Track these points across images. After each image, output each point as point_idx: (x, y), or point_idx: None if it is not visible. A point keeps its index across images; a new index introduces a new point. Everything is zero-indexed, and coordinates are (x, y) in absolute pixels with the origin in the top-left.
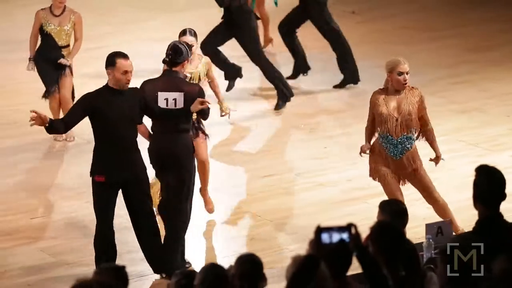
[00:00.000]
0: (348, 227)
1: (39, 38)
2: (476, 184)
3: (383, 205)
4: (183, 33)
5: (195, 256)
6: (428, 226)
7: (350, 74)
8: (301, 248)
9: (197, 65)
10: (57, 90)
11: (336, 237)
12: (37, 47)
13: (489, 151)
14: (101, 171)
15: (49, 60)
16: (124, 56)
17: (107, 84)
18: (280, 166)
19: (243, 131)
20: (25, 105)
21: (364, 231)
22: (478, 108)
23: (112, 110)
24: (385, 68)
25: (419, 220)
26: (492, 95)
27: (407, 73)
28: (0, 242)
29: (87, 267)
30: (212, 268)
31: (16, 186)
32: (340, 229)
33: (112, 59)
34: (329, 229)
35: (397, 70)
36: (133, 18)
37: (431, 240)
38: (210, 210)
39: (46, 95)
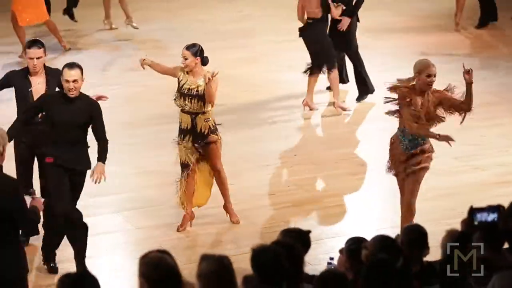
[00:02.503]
0: (497, 208)
1: None
2: None
3: None
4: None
5: (363, 227)
6: None
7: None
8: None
9: (199, 79)
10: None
11: (487, 216)
12: None
13: None
14: (51, 154)
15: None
16: (70, 66)
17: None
18: (439, 149)
19: None
20: (219, 88)
21: None
22: None
23: (60, 115)
24: (414, 68)
25: None
26: None
27: (434, 76)
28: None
29: (270, 230)
30: (383, 239)
31: None
32: (491, 209)
33: (62, 69)
34: (480, 210)
35: (426, 72)
36: None
37: None
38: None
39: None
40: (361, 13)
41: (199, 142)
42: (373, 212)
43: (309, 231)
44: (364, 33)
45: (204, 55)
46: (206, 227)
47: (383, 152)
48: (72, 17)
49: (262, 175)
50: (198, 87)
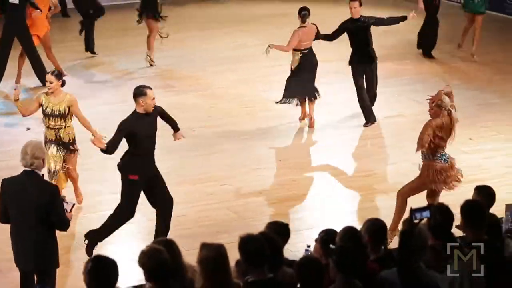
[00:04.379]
0: (429, 207)
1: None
2: None
3: (478, 189)
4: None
5: (334, 220)
6: (508, 206)
7: None
8: None
9: (60, 100)
10: None
11: (422, 215)
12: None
13: None
14: (135, 171)
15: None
16: (150, 87)
17: (135, 110)
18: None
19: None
20: (220, 104)
21: None
22: None
23: (142, 131)
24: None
25: (500, 201)
26: None
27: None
28: (200, 201)
29: (259, 222)
30: (349, 229)
31: (216, 161)
32: (424, 209)
33: (143, 91)
34: (418, 210)
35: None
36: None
37: (509, 216)
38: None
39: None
40: (339, 42)
41: (66, 151)
42: (342, 208)
43: (287, 224)
44: (340, 61)
45: (63, 78)
46: (204, 220)
47: (350, 160)
48: (93, 52)
49: (253, 177)
50: (59, 106)
